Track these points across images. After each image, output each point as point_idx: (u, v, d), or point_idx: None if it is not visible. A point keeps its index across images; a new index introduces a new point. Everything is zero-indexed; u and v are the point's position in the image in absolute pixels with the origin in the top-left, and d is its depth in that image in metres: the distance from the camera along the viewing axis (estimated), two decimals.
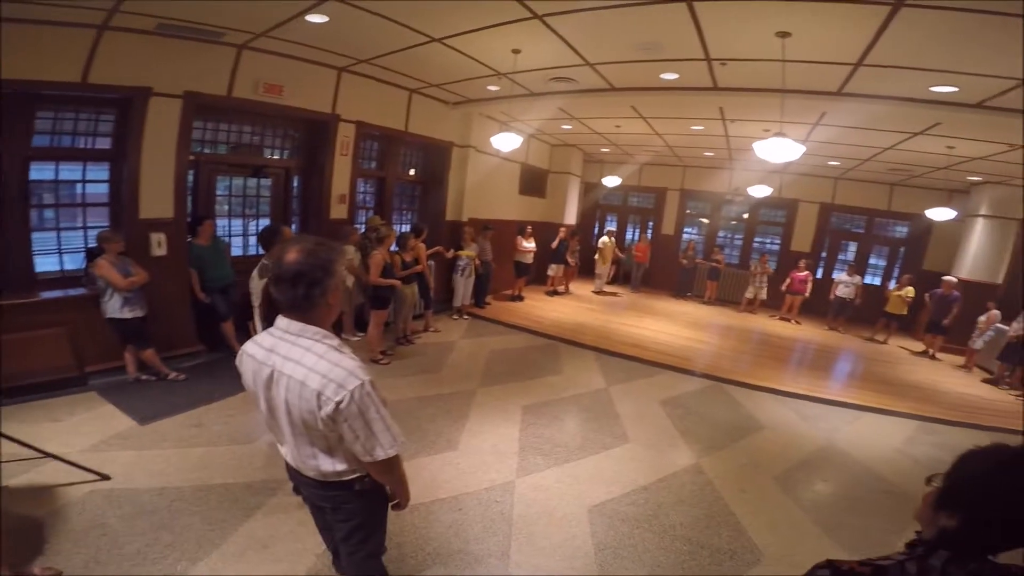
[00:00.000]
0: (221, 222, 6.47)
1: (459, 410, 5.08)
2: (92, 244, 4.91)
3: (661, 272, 13.76)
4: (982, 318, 8.64)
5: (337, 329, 6.72)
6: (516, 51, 5.39)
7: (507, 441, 4.55)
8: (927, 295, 9.56)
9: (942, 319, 9.19)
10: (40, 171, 4.90)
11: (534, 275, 11.63)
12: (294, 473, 1.97)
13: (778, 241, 13.20)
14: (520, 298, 10.46)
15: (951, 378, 8.26)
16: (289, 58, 6.08)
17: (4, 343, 4.18)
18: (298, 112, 6.48)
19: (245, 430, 4.25)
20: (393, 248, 6.34)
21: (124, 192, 5.19)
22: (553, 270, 11.50)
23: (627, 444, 4.73)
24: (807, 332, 10.70)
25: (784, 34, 4.09)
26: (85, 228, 5.25)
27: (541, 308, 10.08)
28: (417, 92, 7.87)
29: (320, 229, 6.76)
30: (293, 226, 6.98)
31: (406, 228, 8.02)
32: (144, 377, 5.03)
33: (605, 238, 12.32)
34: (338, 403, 1.60)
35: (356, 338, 6.89)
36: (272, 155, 6.85)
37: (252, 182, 6.71)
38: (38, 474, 3.34)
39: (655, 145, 10.88)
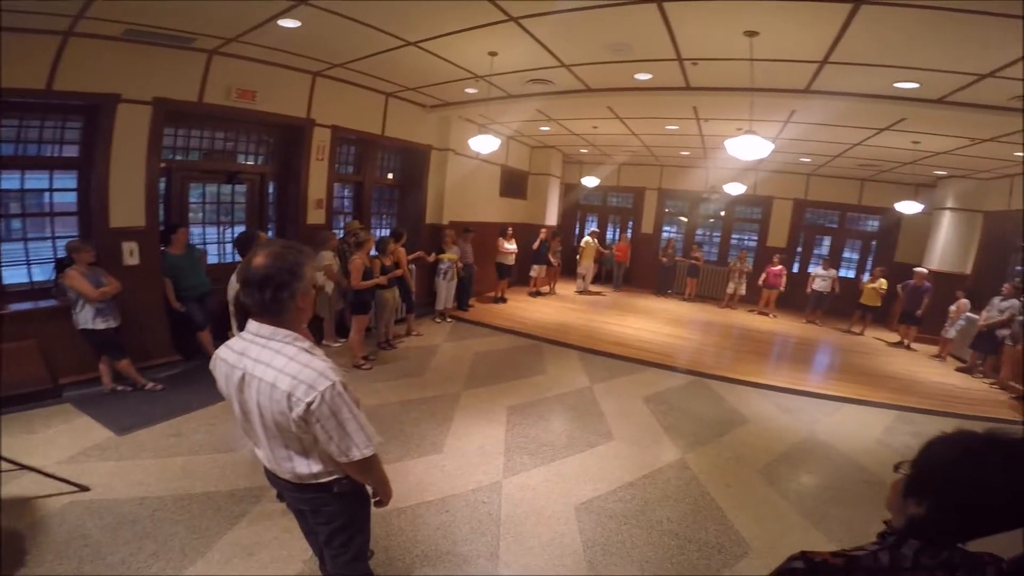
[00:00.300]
0: (196, 230, 6.36)
1: (444, 413, 5.05)
2: (61, 254, 4.79)
3: (642, 270, 13.92)
4: (952, 307, 8.87)
5: (318, 336, 6.65)
6: (492, 53, 5.40)
7: (493, 442, 4.54)
8: (900, 286, 9.79)
9: (915, 310, 9.42)
10: (6, 180, 4.76)
11: (516, 277, 11.64)
12: (272, 477, 1.95)
13: (755, 237, 13.43)
14: (503, 300, 10.45)
15: (926, 368, 8.46)
16: (262, 63, 6.01)
17: None
18: (272, 117, 6.40)
19: (226, 439, 4.18)
20: (373, 253, 6.29)
21: (93, 201, 5.07)
22: (535, 271, 11.51)
23: (612, 441, 4.75)
24: (786, 325, 10.88)
25: (752, 33, 4.16)
26: (53, 238, 5.11)
27: (524, 309, 10.08)
28: (393, 96, 7.84)
29: (297, 235, 6.68)
30: (270, 232, 6.89)
31: (386, 232, 7.98)
32: (120, 388, 4.94)
33: (588, 238, 12.40)
34: (309, 404, 1.60)
35: (337, 344, 6.81)
36: (246, 161, 6.75)
37: (226, 189, 6.60)
38: (15, 487, 3.27)
39: (632, 145, 10.98)
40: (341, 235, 7.26)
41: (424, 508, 3.48)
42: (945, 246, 10.07)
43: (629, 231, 14.54)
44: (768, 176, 12.40)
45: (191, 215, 6.33)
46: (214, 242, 6.62)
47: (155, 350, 5.56)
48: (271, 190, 7.00)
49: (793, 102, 5.94)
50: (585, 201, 15.42)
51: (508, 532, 3.31)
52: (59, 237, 5.10)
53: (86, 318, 4.57)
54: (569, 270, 13.28)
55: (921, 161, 8.61)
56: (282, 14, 4.54)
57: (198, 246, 6.07)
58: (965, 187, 9.77)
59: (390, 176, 9.09)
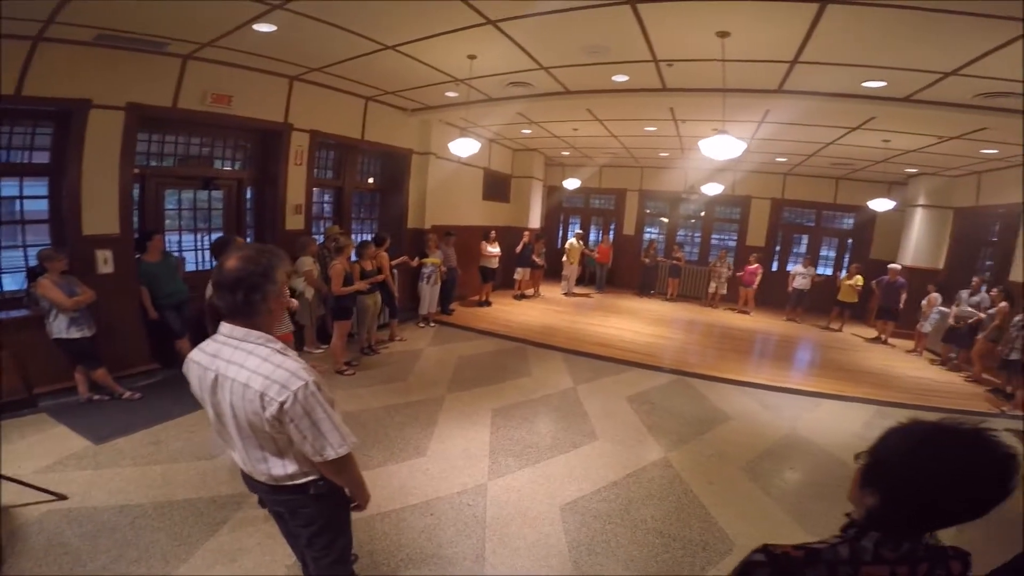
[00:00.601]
0: (173, 237, 6.27)
1: (427, 417, 5.03)
2: (33, 263, 4.68)
3: (625, 272, 14.04)
4: (924, 302, 9.07)
5: (299, 342, 6.58)
6: (472, 57, 5.42)
7: (478, 445, 4.53)
8: (874, 283, 9.99)
9: (891, 305, 9.61)
10: None
11: (500, 280, 11.64)
12: (248, 480, 1.93)
13: (735, 237, 13.62)
14: (487, 303, 10.44)
15: (903, 362, 8.63)
16: (238, 67, 5.95)
17: None
18: (249, 122, 6.33)
19: (206, 446, 4.12)
20: (354, 258, 6.25)
21: (65, 209, 4.98)
22: (519, 274, 11.53)
23: (596, 441, 4.77)
24: (766, 323, 11.03)
25: (723, 34, 4.22)
26: (25, 247, 5.00)
27: (509, 312, 10.09)
28: (373, 100, 7.81)
29: (276, 240, 6.60)
30: (248, 238, 6.80)
31: (367, 237, 7.93)
32: (97, 397, 4.86)
33: (572, 240, 12.47)
34: (282, 403, 1.60)
35: (319, 351, 6.75)
36: (223, 166, 6.66)
37: (203, 195, 6.51)
38: None
39: (612, 147, 11.07)
40: (321, 240, 7.20)
41: (408, 512, 3.46)
42: (918, 242, 10.30)
43: (611, 233, 14.65)
44: (746, 176, 12.62)
45: (167, 222, 6.23)
46: (191, 249, 6.52)
47: (132, 359, 5.47)
48: (249, 196, 6.92)
49: (766, 102, 6.04)
50: (568, 203, 15.52)
51: (494, 534, 3.31)
52: (31, 245, 4.98)
53: (60, 327, 4.48)
54: (554, 272, 13.33)
55: (892, 159, 8.82)
56: (257, 18, 4.50)
57: (175, 253, 5.97)
58: (935, 184, 10.02)
59: (371, 180, 9.04)
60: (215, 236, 6.46)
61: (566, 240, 13.33)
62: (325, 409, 1.68)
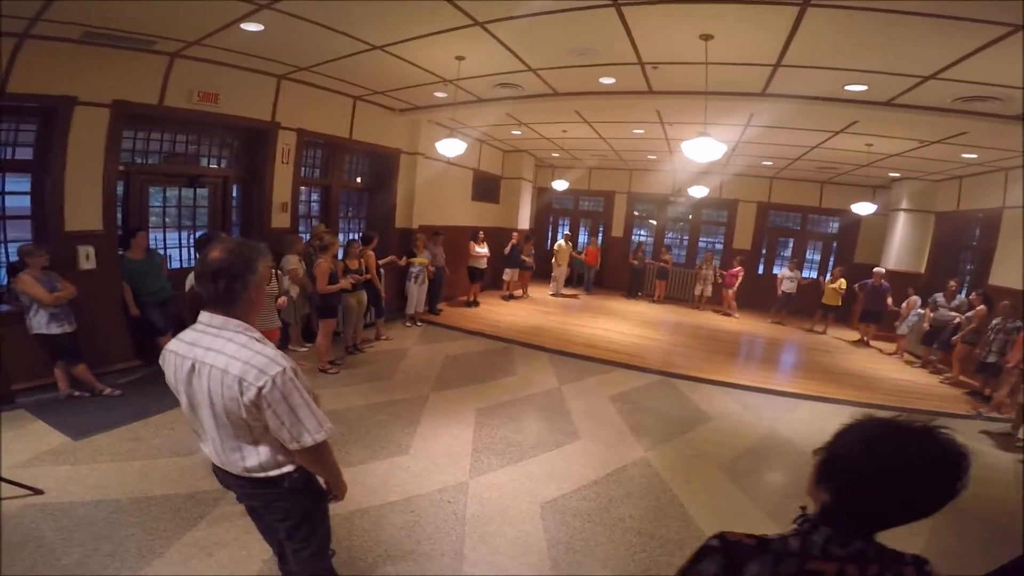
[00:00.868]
0: (158, 234, 6.25)
1: (411, 415, 5.04)
2: (14, 259, 4.66)
3: (613, 273, 14.11)
4: (903, 305, 9.19)
5: (284, 340, 6.56)
6: (460, 58, 5.45)
7: (461, 443, 4.55)
8: (857, 286, 10.11)
9: (875, 308, 9.72)
10: None
11: (489, 281, 11.67)
12: (221, 473, 1.94)
13: (722, 240, 13.74)
14: (476, 304, 10.46)
15: (884, 364, 8.73)
16: (226, 66, 5.95)
17: None
18: (236, 120, 6.33)
19: (187, 442, 4.10)
20: (341, 257, 6.25)
21: (48, 204, 4.96)
22: (508, 275, 11.55)
23: (579, 441, 4.81)
24: (751, 325, 11.13)
25: (707, 37, 4.28)
26: (6, 242, 4.98)
27: (497, 313, 10.11)
28: (362, 99, 7.81)
29: (262, 238, 6.54)
30: (233, 236, 6.78)
31: (354, 236, 7.93)
32: (77, 394, 4.83)
33: (561, 241, 12.52)
34: (260, 388, 1.62)
35: (304, 348, 6.75)
36: (209, 164, 6.65)
37: (188, 192, 6.49)
38: None
39: (601, 149, 11.13)
40: (307, 239, 7.19)
41: (388, 508, 3.48)
42: (900, 246, 10.46)
43: (600, 235, 14.72)
44: (733, 180, 12.75)
45: (152, 219, 6.20)
46: (175, 246, 6.49)
47: (114, 355, 5.46)
48: (235, 194, 6.90)
49: (751, 105, 6.11)
50: (558, 205, 15.58)
51: (473, 531, 3.33)
52: (12, 241, 4.97)
53: (40, 323, 4.46)
54: (543, 273, 13.38)
55: (876, 163, 8.94)
56: (244, 18, 4.52)
57: (159, 250, 5.95)
58: (917, 188, 10.18)
59: (359, 180, 9.03)
60: (200, 234, 6.44)
61: (555, 242, 13.37)
62: (303, 395, 1.71)
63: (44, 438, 4.04)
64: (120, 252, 5.43)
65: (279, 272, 5.55)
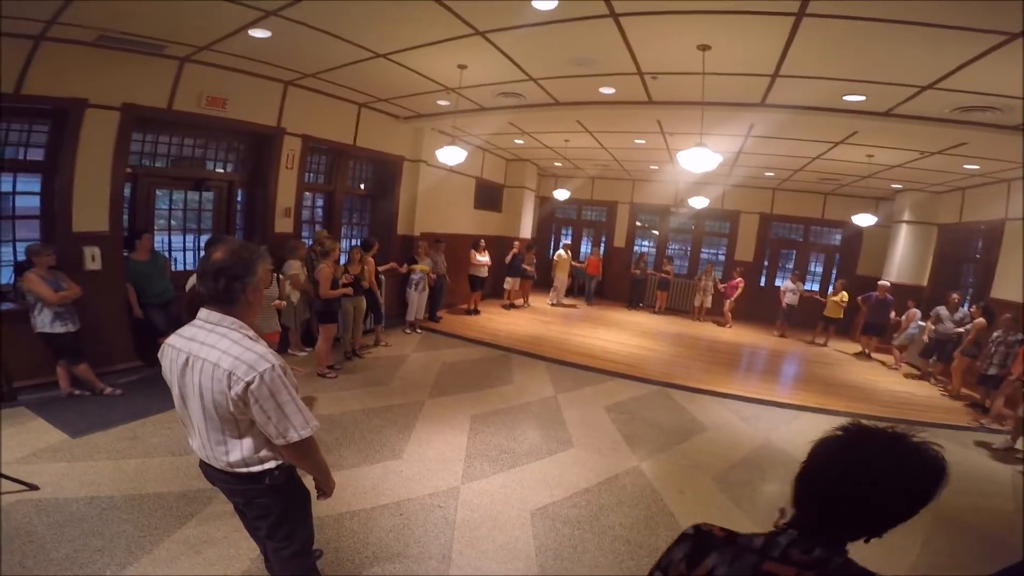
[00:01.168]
0: (163, 237, 6.34)
1: (406, 421, 5.07)
2: (22, 258, 4.75)
3: (615, 284, 14.11)
4: (903, 317, 9.15)
5: (284, 345, 6.62)
6: (462, 66, 5.52)
7: (454, 449, 4.57)
8: (860, 299, 10.07)
9: (878, 321, 9.68)
10: None
11: (490, 289, 11.72)
12: (206, 468, 1.98)
13: (724, 252, 13.74)
14: (476, 312, 10.49)
15: (885, 376, 8.69)
16: (233, 71, 6.06)
17: None
18: (242, 125, 6.43)
19: (183, 442, 4.14)
20: (343, 262, 6.31)
21: (56, 205, 5.06)
22: (509, 283, 11.59)
23: (572, 449, 4.82)
24: (752, 337, 11.11)
25: (704, 47, 4.32)
26: (15, 241, 5.08)
27: (496, 321, 10.14)
28: (366, 106, 7.91)
29: (265, 243, 6.65)
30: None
31: (356, 242, 7.99)
32: (78, 392, 4.90)
33: (561, 251, 12.54)
34: (248, 383, 1.69)
35: (303, 353, 6.80)
36: (215, 168, 6.74)
37: (194, 196, 6.58)
38: None
39: (603, 159, 11.19)
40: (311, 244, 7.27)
41: (378, 511, 3.51)
42: (903, 259, 10.42)
43: (602, 245, 14.77)
44: (735, 191, 12.76)
45: (158, 222, 6.29)
46: (180, 249, 6.57)
47: (116, 355, 5.54)
48: (239, 198, 6.98)
49: (751, 115, 6.13)
50: (561, 214, 15.63)
51: (462, 536, 3.35)
52: (21, 240, 5.07)
53: (44, 322, 4.54)
54: (544, 283, 13.41)
55: (878, 175, 8.94)
56: (252, 24, 4.62)
57: (163, 253, 6.04)
58: (919, 200, 10.17)
59: (362, 186, 9.12)
60: (204, 237, 6.54)
61: (556, 251, 13.39)
62: (290, 392, 1.77)
63: (43, 435, 4.10)
64: (125, 253, 5.52)
65: (279, 276, 5.60)
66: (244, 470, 1.87)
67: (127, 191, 5.75)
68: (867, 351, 10.07)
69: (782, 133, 7.05)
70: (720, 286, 12.19)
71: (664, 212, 14.16)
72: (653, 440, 5.16)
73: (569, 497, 3.96)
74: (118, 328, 5.52)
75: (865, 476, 0.99)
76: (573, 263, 12.91)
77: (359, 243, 7.21)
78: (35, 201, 5.16)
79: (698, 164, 4.83)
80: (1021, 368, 6.05)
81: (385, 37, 4.90)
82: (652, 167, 11.56)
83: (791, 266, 12.94)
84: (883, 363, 9.58)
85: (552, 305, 12.41)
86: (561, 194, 11.67)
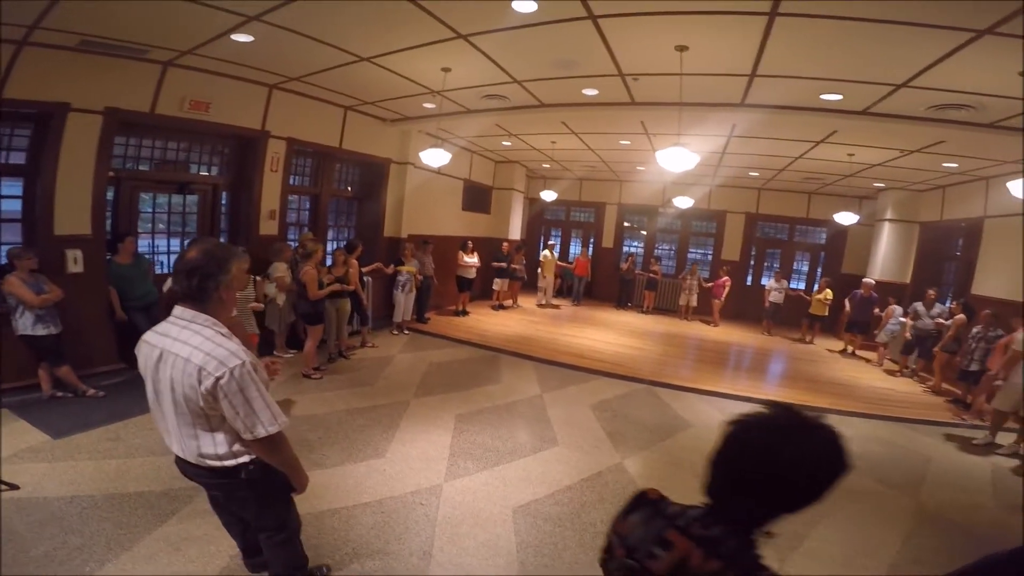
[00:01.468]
0: (148, 240, 6.33)
1: (390, 420, 5.09)
2: (3, 261, 4.75)
3: (603, 284, 14.19)
4: (884, 314, 9.25)
5: (269, 347, 6.62)
6: (446, 69, 5.56)
7: (438, 447, 4.60)
8: (847, 300, 10.15)
9: (862, 319, 9.78)
10: None
11: (479, 290, 11.74)
12: (182, 464, 2.02)
13: (711, 251, 13.85)
14: (465, 313, 10.51)
15: (868, 373, 8.79)
16: (218, 75, 6.07)
17: None
18: (226, 128, 6.43)
19: (165, 442, 4.12)
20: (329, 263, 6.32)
21: (38, 208, 5.05)
22: (498, 285, 11.62)
23: (556, 447, 4.85)
24: (738, 335, 11.20)
25: (682, 48, 4.37)
26: None
27: (485, 322, 10.17)
28: (352, 109, 7.93)
29: (249, 245, 6.66)
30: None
31: (339, 245, 8.00)
32: (60, 394, 4.90)
33: (547, 252, 12.59)
34: (218, 378, 1.72)
35: (288, 355, 6.79)
36: (199, 171, 6.73)
37: (177, 199, 6.57)
38: None
39: (590, 160, 11.26)
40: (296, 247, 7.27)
41: (359, 509, 3.53)
42: (886, 257, 10.55)
43: (591, 246, 14.85)
44: (721, 191, 12.88)
45: (141, 225, 6.28)
46: (164, 252, 6.56)
47: (99, 357, 5.53)
48: (224, 201, 6.98)
49: (732, 115, 6.21)
50: (550, 216, 15.69)
51: (443, 533, 3.37)
52: (2, 244, 5.04)
53: (26, 324, 4.54)
54: (534, 284, 13.44)
55: (859, 174, 9.05)
56: (235, 29, 4.63)
57: (146, 256, 6.03)
58: (901, 198, 10.30)
59: (349, 189, 9.13)
60: (189, 240, 6.52)
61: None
62: (259, 388, 1.81)
63: (24, 436, 4.10)
64: (108, 257, 5.51)
65: (256, 278, 5.61)
66: (218, 464, 1.91)
67: (110, 194, 5.74)
68: (851, 348, 10.17)
69: (764, 133, 7.14)
70: (705, 284, 12.30)
71: (652, 212, 14.26)
72: (637, 437, 5.20)
73: (552, 494, 3.99)
74: (101, 331, 5.51)
75: (768, 460, 1.01)
76: (560, 264, 12.96)
77: (343, 245, 7.21)
78: (17, 205, 5.15)
79: (676, 164, 4.89)
80: (999, 363, 6.15)
81: (368, 41, 4.93)
82: (639, 168, 11.64)
83: (777, 265, 13.05)
84: (867, 360, 9.69)
85: (540, 306, 12.45)
86: (548, 195, 11.72)
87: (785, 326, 11.74)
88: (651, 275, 12.93)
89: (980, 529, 4.01)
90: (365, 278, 7.68)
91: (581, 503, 3.91)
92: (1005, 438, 5.77)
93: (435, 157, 6.51)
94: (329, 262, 6.60)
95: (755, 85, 5.18)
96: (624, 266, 13.14)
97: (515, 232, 13.72)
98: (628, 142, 8.77)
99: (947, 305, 8.21)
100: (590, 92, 6.05)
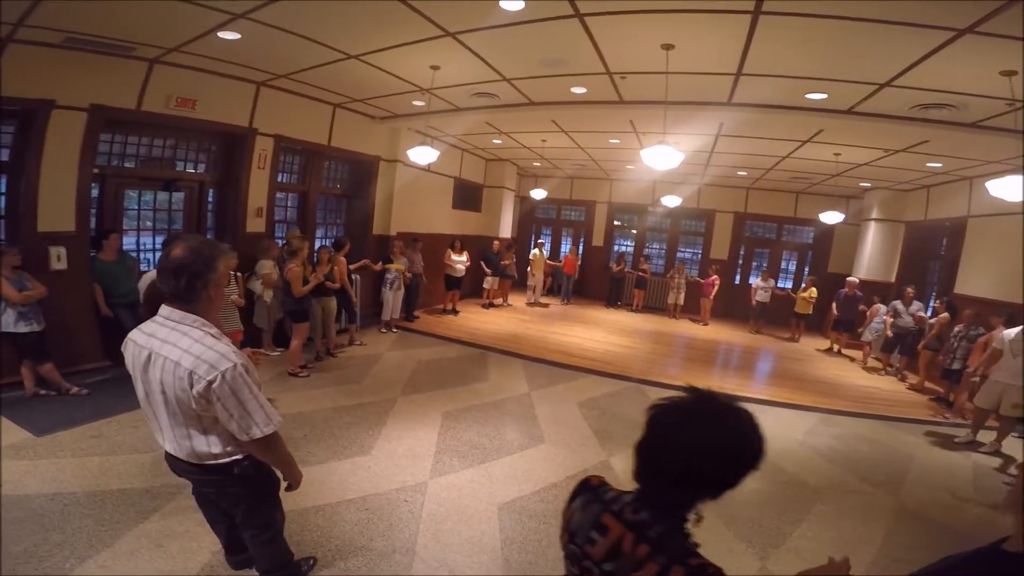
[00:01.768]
0: (133, 237, 6.28)
1: (377, 418, 5.09)
2: None
3: (593, 282, 14.23)
4: (868, 312, 9.36)
5: (256, 344, 6.58)
6: (435, 67, 5.55)
7: (424, 445, 4.60)
8: (834, 302, 10.23)
9: (848, 317, 9.88)
10: None
11: (470, 289, 11.74)
12: (173, 462, 2.02)
13: (700, 250, 13.93)
14: (454, 311, 10.50)
15: (853, 372, 8.88)
16: (205, 72, 6.03)
17: None
18: (213, 126, 6.40)
19: (149, 440, 4.13)
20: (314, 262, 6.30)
21: (22, 205, 5.01)
22: (489, 283, 11.63)
23: (542, 444, 4.87)
24: (726, 334, 11.28)
25: (668, 46, 4.39)
26: None
27: (474, 320, 10.18)
28: (341, 107, 7.91)
29: (236, 243, 6.62)
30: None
31: (326, 242, 7.98)
32: (43, 392, 4.86)
33: (536, 250, 12.62)
34: (210, 382, 1.71)
35: (276, 353, 6.77)
36: (185, 168, 6.69)
37: (163, 196, 6.53)
38: None
39: (580, 159, 11.29)
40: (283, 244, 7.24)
41: (344, 506, 3.53)
42: (871, 256, 10.66)
43: (581, 244, 14.88)
44: (710, 190, 12.95)
45: (126, 222, 6.24)
46: (149, 249, 6.51)
47: (83, 355, 5.50)
48: (210, 198, 6.94)
49: (719, 114, 6.23)
50: (541, 214, 15.71)
51: (428, 529, 3.38)
52: None
53: (8, 321, 4.49)
54: (524, 282, 13.46)
55: (845, 173, 9.13)
56: (221, 26, 4.61)
57: (131, 253, 5.98)
58: (887, 198, 10.41)
59: (337, 186, 9.10)
60: (174, 237, 6.47)
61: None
62: (252, 390, 1.80)
63: (6, 434, 4.06)
64: (92, 254, 5.48)
65: (237, 275, 5.58)
66: (212, 462, 1.92)
67: (95, 191, 5.69)
68: (837, 347, 10.27)
69: (751, 132, 7.19)
70: (691, 278, 12.40)
71: (641, 211, 14.31)
72: (623, 435, 5.22)
73: (537, 492, 4.01)
74: (85, 328, 5.47)
75: (681, 444, 1.04)
76: (550, 262, 12.98)
77: (329, 243, 7.18)
78: (0, 201, 5.10)
79: (661, 161, 4.92)
80: (978, 360, 6.22)
81: (356, 39, 4.92)
82: (628, 167, 11.67)
83: (766, 264, 13.14)
84: (851, 359, 9.79)
85: (529, 304, 12.47)
86: (538, 193, 11.73)
87: (774, 325, 11.83)
88: (640, 274, 12.98)
89: (961, 527, 4.05)
90: (353, 276, 7.65)
91: (566, 500, 3.91)
92: (987, 436, 5.84)
93: (423, 155, 6.50)
94: (316, 259, 6.57)
95: (741, 84, 5.21)
96: (616, 267, 13.20)
97: (506, 230, 13.73)
98: (617, 140, 8.80)
99: (931, 303, 8.31)
100: (579, 90, 6.06)
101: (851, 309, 9.81)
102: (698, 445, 1.03)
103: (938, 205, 9.30)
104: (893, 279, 10.40)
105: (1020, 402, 5.37)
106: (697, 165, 10.13)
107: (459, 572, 3.02)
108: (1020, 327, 5.53)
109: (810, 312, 10.81)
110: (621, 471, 4.44)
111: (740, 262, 13.60)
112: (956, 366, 6.91)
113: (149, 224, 6.51)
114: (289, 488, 2.16)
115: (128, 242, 6.23)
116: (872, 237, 10.62)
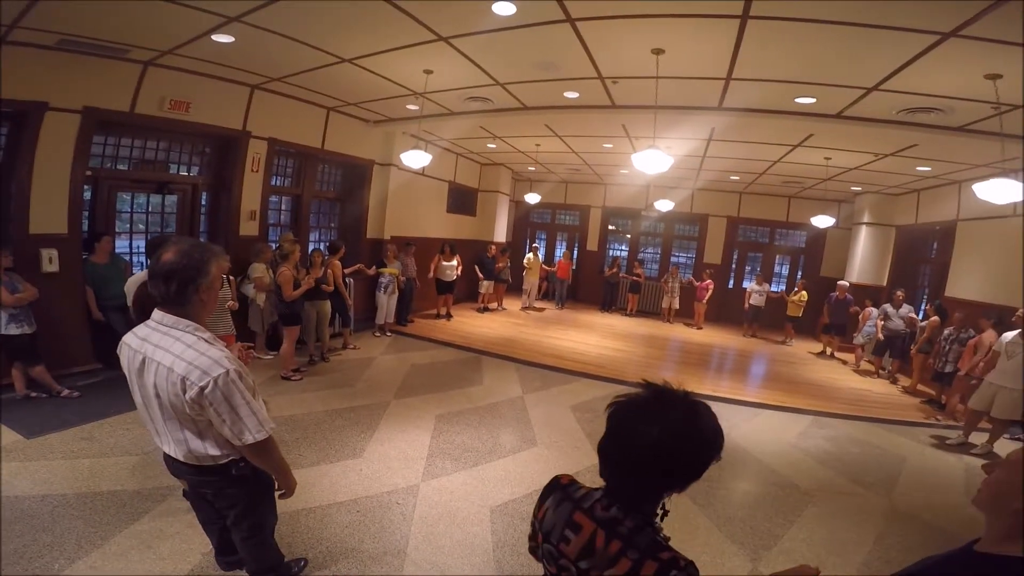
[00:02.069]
0: (126, 239, 6.26)
1: (369, 421, 5.08)
2: None
3: (588, 287, 14.25)
4: (860, 316, 9.42)
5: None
6: (428, 71, 5.58)
7: (416, 448, 4.59)
8: (826, 306, 10.31)
9: (839, 321, 9.95)
10: None
11: (464, 293, 11.73)
12: (171, 463, 2.01)
13: (694, 255, 13.99)
14: (448, 316, 10.49)
15: (845, 375, 8.93)
16: (198, 75, 6.04)
17: None
18: (206, 128, 6.39)
19: (140, 442, 4.12)
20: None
21: (13, 207, 4.99)
22: (484, 287, 11.63)
23: (535, 447, 4.87)
24: (720, 338, 11.32)
25: (658, 51, 4.43)
26: None
27: (468, 324, 10.17)
28: (335, 110, 7.93)
29: (229, 246, 6.61)
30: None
31: (320, 246, 7.97)
32: (34, 395, 4.83)
33: (530, 255, 12.64)
34: (202, 388, 1.71)
35: (268, 356, 6.74)
36: (178, 171, 6.67)
37: (156, 198, 6.51)
38: None
39: (574, 163, 11.32)
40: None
41: (335, 508, 3.52)
42: (863, 260, 10.74)
43: (575, 249, 14.92)
44: (703, 195, 13.02)
45: (119, 224, 6.22)
46: (142, 252, 6.49)
47: (75, 358, 5.47)
48: (204, 201, 6.93)
49: (711, 118, 6.27)
50: (536, 218, 15.74)
51: (419, 532, 3.37)
52: None
53: None
54: (519, 287, 13.47)
55: (836, 177, 9.20)
56: (215, 29, 4.63)
57: (124, 256, 5.97)
58: (877, 202, 10.50)
59: (331, 189, 9.10)
60: (164, 239, 6.45)
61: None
62: (244, 396, 1.79)
63: None
64: (84, 256, 5.46)
65: (231, 278, 5.57)
66: (211, 463, 1.92)
67: (87, 194, 5.68)
68: (830, 350, 10.32)
69: (743, 136, 7.24)
70: (684, 280, 12.46)
71: (635, 216, 14.36)
72: None
73: (529, 494, 3.99)
74: (77, 330, 5.45)
75: (636, 439, 1.06)
76: (545, 267, 13.01)
77: (323, 247, 7.18)
78: None
79: (651, 165, 4.95)
80: (971, 362, 6.27)
81: (350, 42, 4.94)
82: (622, 171, 11.72)
83: (759, 268, 13.20)
84: (843, 362, 9.83)
85: (524, 309, 12.48)
86: (532, 198, 11.76)
87: (767, 328, 11.88)
88: (635, 278, 13.02)
89: (952, 528, 4.05)
90: (347, 279, 7.65)
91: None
92: (979, 438, 5.88)
93: (416, 159, 6.52)
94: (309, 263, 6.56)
95: (732, 88, 5.25)
96: (610, 271, 13.22)
97: (501, 235, 13.76)
98: (611, 145, 8.83)
99: (923, 307, 8.37)
100: (571, 95, 6.10)
101: (842, 313, 9.88)
102: (657, 439, 1.04)
103: (928, 209, 9.38)
104: (885, 283, 10.47)
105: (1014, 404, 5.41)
106: (690, 170, 10.19)
107: (450, 574, 3.01)
108: (1018, 331, 5.58)
109: (799, 315, 10.90)
110: None
111: (733, 266, 13.66)
112: (948, 369, 6.95)
113: (142, 227, 6.49)
114: (283, 495, 2.16)
115: (120, 245, 6.21)
116: (863, 241, 10.70)
